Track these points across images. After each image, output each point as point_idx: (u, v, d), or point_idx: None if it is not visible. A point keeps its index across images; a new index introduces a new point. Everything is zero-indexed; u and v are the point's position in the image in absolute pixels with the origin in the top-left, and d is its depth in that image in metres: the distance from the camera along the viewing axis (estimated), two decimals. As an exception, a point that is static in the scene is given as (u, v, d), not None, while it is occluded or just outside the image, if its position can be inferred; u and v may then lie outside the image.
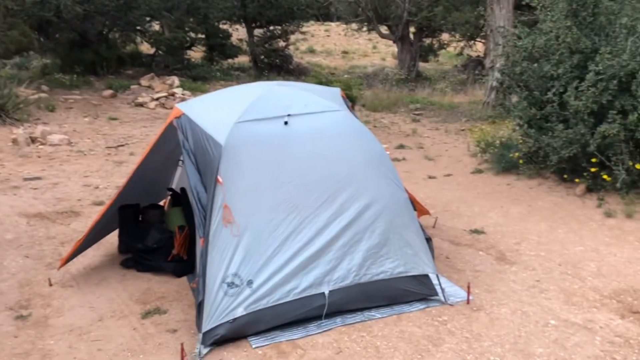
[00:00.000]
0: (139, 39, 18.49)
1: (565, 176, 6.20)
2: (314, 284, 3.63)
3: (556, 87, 6.05)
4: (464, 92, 14.88)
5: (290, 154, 3.74)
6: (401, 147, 8.76)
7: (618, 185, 5.62)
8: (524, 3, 7.87)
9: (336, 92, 4.69)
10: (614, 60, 5.57)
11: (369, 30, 20.96)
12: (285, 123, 3.79)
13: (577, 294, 4.04)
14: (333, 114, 4.02)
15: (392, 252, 3.85)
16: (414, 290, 3.88)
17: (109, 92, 13.51)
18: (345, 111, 4.17)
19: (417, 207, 5.22)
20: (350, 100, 8.64)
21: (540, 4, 6.76)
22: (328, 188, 3.74)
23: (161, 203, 5.38)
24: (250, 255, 3.52)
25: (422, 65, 20.34)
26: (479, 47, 19.05)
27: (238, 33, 21.08)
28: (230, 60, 19.88)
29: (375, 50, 28.58)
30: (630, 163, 5.60)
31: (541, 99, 6.27)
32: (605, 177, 5.75)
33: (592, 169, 5.82)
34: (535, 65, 6.52)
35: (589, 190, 5.96)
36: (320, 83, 8.24)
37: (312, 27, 30.99)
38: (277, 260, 3.56)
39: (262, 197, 3.62)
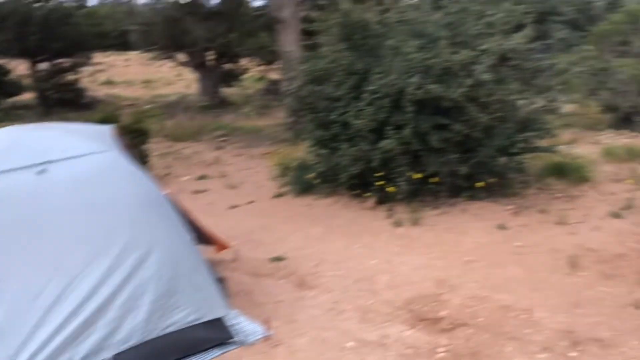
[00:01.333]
0: None
1: (357, 192, 6.46)
2: (92, 351, 3.20)
3: (339, 108, 6.31)
4: (268, 116, 15.10)
5: (48, 208, 3.29)
6: (203, 177, 8.50)
7: (402, 195, 6.01)
8: (307, 29, 8.16)
9: (106, 130, 4.29)
10: (385, 79, 5.96)
11: (167, 59, 20.42)
12: (39, 172, 3.33)
13: (372, 310, 4.13)
14: (98, 157, 3.64)
15: (182, 300, 3.57)
16: (209, 337, 3.63)
17: None
18: (114, 152, 3.80)
19: (216, 242, 5.00)
20: (143, 134, 8.20)
21: (319, 29, 7.04)
22: (98, 241, 3.35)
23: None
24: (5, 334, 2.99)
25: (226, 90, 20.32)
26: (278, 71, 19.60)
27: (21, 68, 19.14)
28: (13, 99, 17.93)
29: (179, 78, 27.90)
30: (410, 174, 6.01)
31: (327, 120, 6.48)
32: (390, 189, 6.09)
33: (378, 183, 6.15)
34: (319, 87, 6.73)
35: (380, 202, 6.28)
36: (105, 118, 7.65)
37: (111, 58, 29.43)
38: (42, 334, 3.07)
39: (14, 262, 3.12)
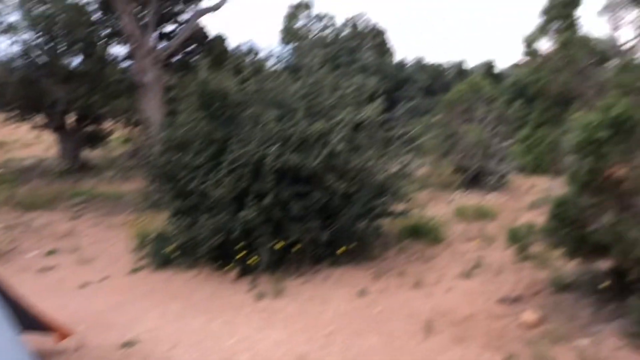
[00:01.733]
0: None
1: (218, 264, 6.25)
2: None
3: (198, 177, 6.14)
4: (132, 180, 14.44)
5: None
6: (53, 252, 7.78)
7: (264, 266, 5.89)
8: (170, 95, 8.00)
9: None
10: (245, 149, 5.92)
11: (24, 120, 19.02)
12: None
13: (227, 395, 3.90)
14: None
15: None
16: None
17: None
18: None
19: (57, 330, 4.51)
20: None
21: (179, 96, 6.92)
22: None
23: None
24: None
25: (90, 153, 19.28)
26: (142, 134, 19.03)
27: None
28: None
29: (39, 140, 26.10)
30: (272, 243, 5.93)
31: (186, 189, 6.28)
32: (252, 260, 5.96)
33: (240, 254, 5.99)
34: (179, 155, 6.54)
35: (242, 274, 6.10)
36: None
37: (-41, 118, 26.88)
38: None
39: None
